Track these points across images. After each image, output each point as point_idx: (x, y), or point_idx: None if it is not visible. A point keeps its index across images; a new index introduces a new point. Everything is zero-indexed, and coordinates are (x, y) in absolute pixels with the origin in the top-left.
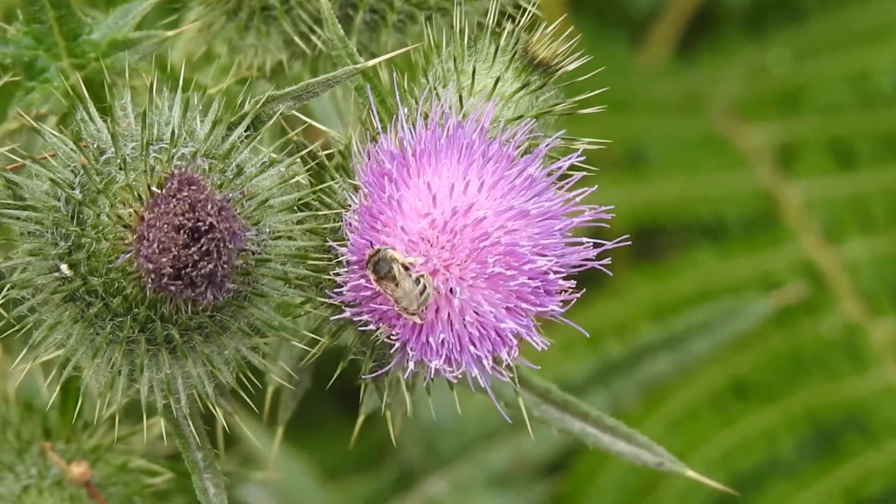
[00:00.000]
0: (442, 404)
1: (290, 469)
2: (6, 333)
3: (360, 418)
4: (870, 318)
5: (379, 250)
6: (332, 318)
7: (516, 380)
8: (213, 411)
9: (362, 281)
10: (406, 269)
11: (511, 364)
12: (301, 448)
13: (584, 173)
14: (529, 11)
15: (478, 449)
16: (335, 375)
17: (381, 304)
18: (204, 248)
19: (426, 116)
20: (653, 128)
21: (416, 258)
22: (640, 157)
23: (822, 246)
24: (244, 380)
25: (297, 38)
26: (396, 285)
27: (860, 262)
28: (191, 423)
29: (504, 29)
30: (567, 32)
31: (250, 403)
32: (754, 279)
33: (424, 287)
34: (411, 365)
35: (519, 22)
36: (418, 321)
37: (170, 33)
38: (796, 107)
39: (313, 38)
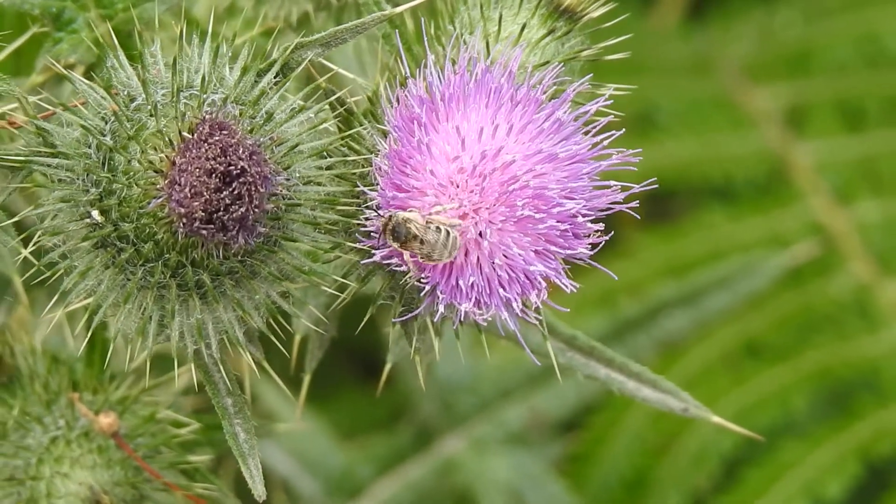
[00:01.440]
0: (458, 364)
1: (307, 429)
2: (33, 282)
3: (388, 366)
4: (880, 279)
5: (390, 217)
6: (362, 263)
7: (544, 323)
8: (247, 360)
9: (388, 250)
10: (428, 223)
11: (540, 307)
12: (319, 410)
13: (611, 117)
14: None
15: (494, 407)
16: (365, 319)
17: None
18: (236, 192)
19: (454, 62)
20: (663, 90)
21: (444, 205)
22: (651, 119)
23: (832, 207)
24: (277, 332)
25: None
26: (422, 242)
27: (870, 224)
28: (222, 369)
29: None
30: None
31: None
32: (764, 240)
33: (448, 233)
34: (441, 308)
35: None
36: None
37: None
38: (805, 69)
39: None
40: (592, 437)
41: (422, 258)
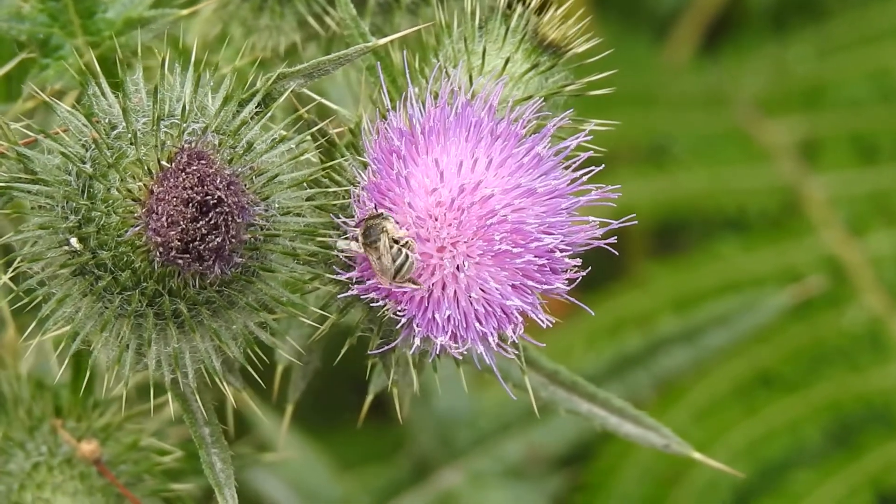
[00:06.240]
0: (457, 396)
1: (306, 460)
2: (21, 310)
3: (369, 397)
4: (893, 312)
5: (378, 215)
6: (339, 296)
7: (522, 358)
8: (224, 392)
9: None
10: (396, 242)
11: (517, 342)
12: (320, 442)
13: (591, 153)
14: None
15: (493, 441)
16: (342, 352)
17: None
18: (212, 222)
19: (436, 95)
20: (677, 123)
21: (404, 232)
22: (664, 151)
23: (845, 240)
24: (256, 363)
25: (310, 19)
26: (378, 257)
27: (883, 256)
28: (198, 398)
29: (515, 10)
30: (577, 14)
31: (261, 385)
32: (777, 273)
33: (404, 262)
34: (417, 341)
35: (529, 4)
36: (409, 288)
37: (184, 11)
38: (819, 103)
39: (327, 19)
40: (604, 466)
41: (374, 265)
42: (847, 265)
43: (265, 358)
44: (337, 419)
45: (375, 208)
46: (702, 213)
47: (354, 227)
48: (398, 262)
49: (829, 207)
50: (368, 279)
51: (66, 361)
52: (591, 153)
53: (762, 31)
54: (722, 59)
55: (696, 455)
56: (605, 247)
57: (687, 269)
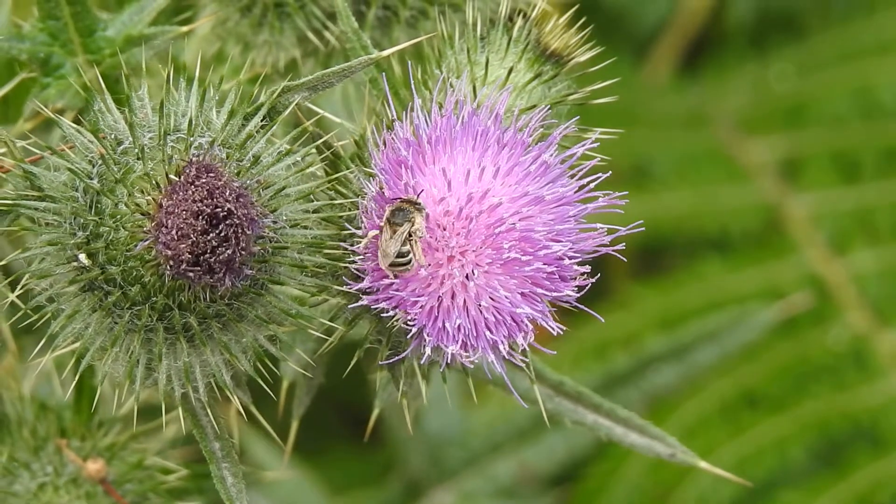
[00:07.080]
0: (448, 416)
1: (297, 481)
2: (29, 330)
3: (376, 410)
4: (877, 329)
5: (416, 203)
6: (349, 307)
7: (531, 367)
8: (237, 405)
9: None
10: (410, 235)
11: (527, 349)
12: (307, 465)
13: (597, 160)
14: (540, 6)
15: (484, 461)
16: (352, 363)
17: (397, 291)
18: (222, 234)
19: (441, 105)
20: (658, 143)
21: (423, 233)
22: (646, 171)
23: (828, 258)
24: (261, 378)
25: (310, 34)
26: (390, 237)
27: (866, 274)
28: (209, 412)
29: (516, 22)
30: (578, 24)
31: (259, 404)
32: (761, 292)
33: (405, 263)
34: (428, 350)
35: (531, 15)
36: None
37: (184, 28)
38: (800, 121)
39: (326, 34)
40: (591, 487)
41: (379, 243)
42: (830, 283)
43: (275, 372)
44: (322, 443)
45: (417, 195)
46: (684, 233)
47: (391, 199)
48: (403, 259)
49: (811, 225)
50: (379, 288)
51: (70, 384)
52: (597, 160)
53: (742, 50)
54: (702, 79)
55: (703, 464)
56: (614, 253)
57: (671, 289)
